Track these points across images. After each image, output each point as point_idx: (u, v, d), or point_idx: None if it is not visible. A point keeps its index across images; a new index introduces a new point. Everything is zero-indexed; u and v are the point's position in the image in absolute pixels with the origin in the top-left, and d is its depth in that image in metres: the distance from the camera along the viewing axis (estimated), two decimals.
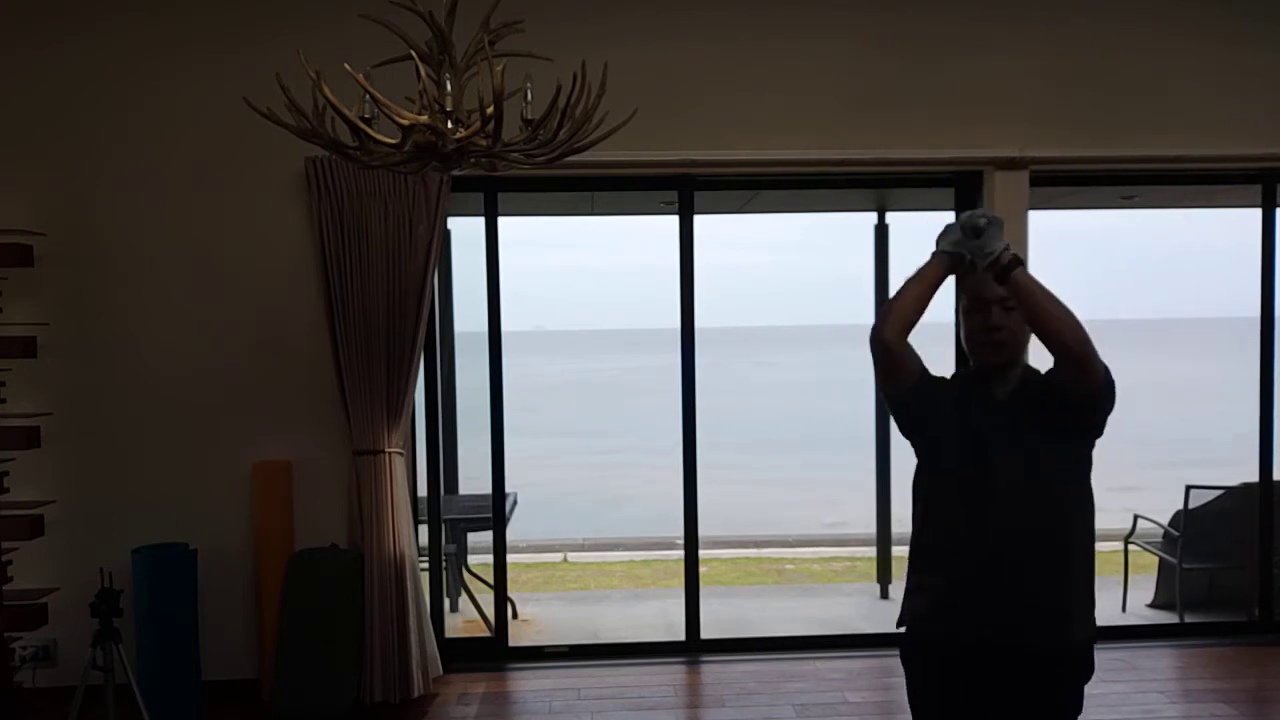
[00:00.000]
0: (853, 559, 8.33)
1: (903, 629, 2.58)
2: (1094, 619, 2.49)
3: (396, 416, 4.59)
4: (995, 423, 2.42)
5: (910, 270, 2.53)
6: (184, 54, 4.61)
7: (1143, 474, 12.05)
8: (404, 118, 2.82)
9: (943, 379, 2.58)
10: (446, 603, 5.34)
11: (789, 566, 8.33)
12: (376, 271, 4.56)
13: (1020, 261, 2.38)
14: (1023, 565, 2.38)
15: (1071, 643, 2.42)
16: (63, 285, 4.62)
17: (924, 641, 2.53)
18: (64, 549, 4.55)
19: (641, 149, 4.36)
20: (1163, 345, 42.08)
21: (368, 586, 4.56)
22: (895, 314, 2.48)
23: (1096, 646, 2.48)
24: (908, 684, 2.60)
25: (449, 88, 2.95)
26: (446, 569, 5.32)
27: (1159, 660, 5.05)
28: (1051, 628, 2.40)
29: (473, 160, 3.05)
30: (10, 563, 4.35)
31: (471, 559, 6.19)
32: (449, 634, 5.17)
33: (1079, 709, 2.46)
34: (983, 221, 2.42)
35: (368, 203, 4.54)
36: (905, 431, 2.59)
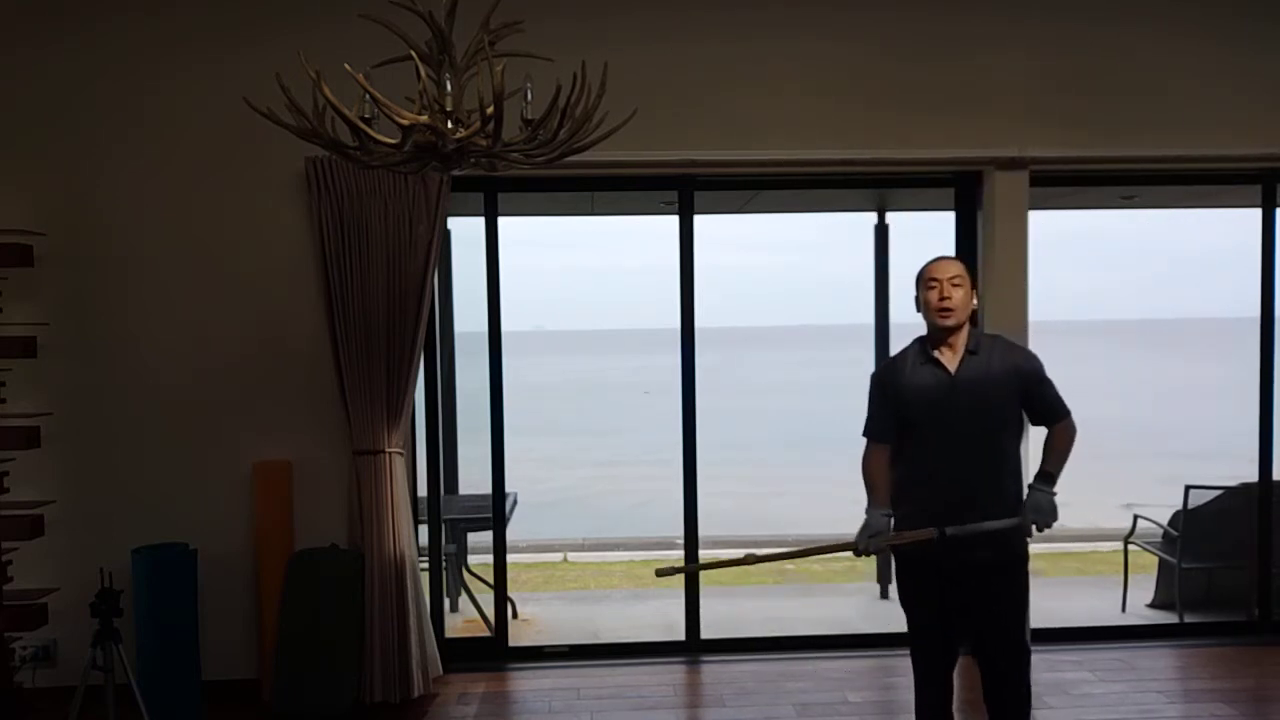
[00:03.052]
0: (852, 559, 8.31)
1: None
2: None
3: (396, 416, 4.59)
4: (951, 393, 3.30)
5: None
6: (184, 54, 4.61)
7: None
8: (404, 118, 2.82)
9: (898, 371, 3.42)
10: (446, 603, 5.34)
11: (789, 566, 8.32)
12: (376, 271, 4.56)
13: (1041, 515, 3.29)
14: (973, 487, 3.27)
15: (1012, 550, 3.36)
16: (63, 285, 4.62)
17: (909, 557, 3.40)
18: (64, 549, 4.55)
19: (641, 149, 4.36)
20: (1161, 346, 42.04)
21: (368, 586, 4.56)
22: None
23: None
24: (900, 589, 3.54)
25: (449, 88, 2.94)
26: (446, 569, 5.32)
27: (1159, 660, 5.05)
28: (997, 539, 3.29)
29: (473, 160, 3.04)
30: (10, 563, 4.35)
31: (471, 559, 6.19)
32: (449, 634, 5.17)
33: (1026, 589, 3.53)
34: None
35: (368, 203, 4.54)
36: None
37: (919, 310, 3.41)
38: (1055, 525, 3.30)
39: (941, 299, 3.30)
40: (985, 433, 3.29)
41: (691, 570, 3.31)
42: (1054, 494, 3.30)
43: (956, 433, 3.29)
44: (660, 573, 3.44)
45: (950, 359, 3.34)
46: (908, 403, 3.37)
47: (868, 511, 3.44)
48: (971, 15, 4.88)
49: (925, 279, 3.36)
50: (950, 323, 3.31)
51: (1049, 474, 3.32)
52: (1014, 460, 3.36)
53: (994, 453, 3.31)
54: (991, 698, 3.41)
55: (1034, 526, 3.29)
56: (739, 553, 3.58)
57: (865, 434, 3.52)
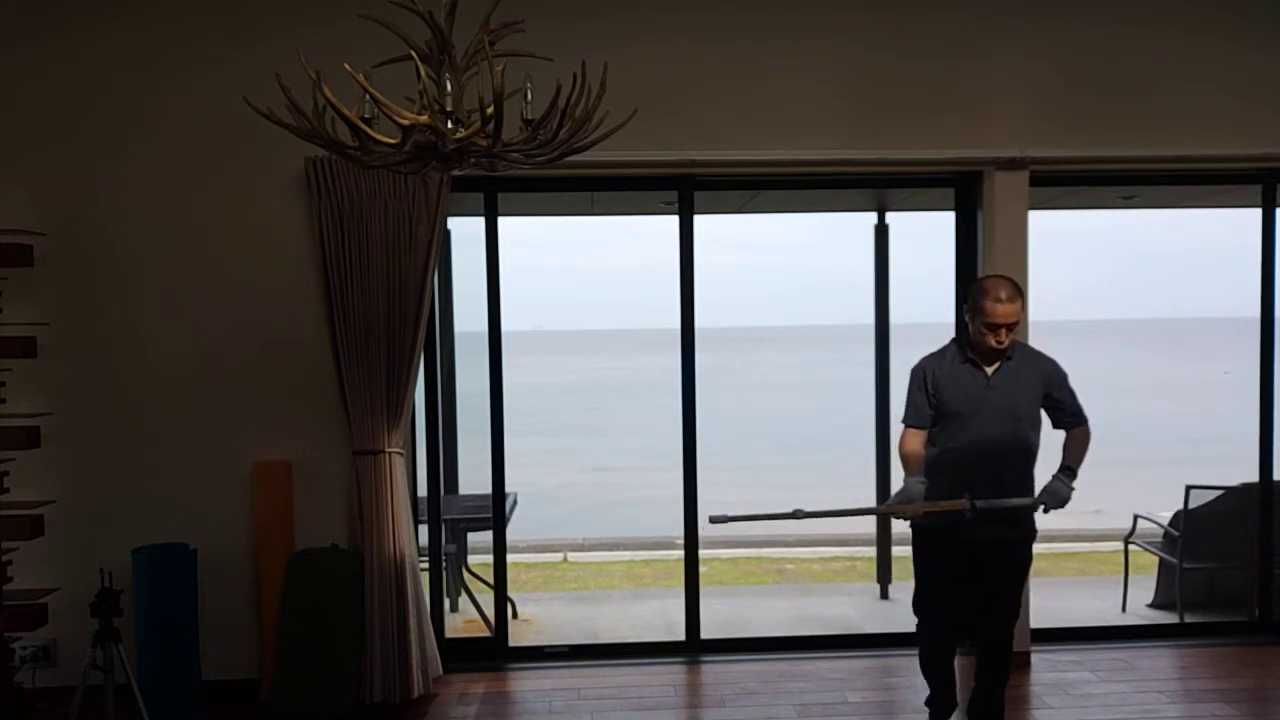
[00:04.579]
0: (853, 559, 8.33)
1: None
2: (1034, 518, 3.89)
3: (396, 416, 4.59)
4: (986, 391, 3.77)
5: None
6: (184, 54, 4.61)
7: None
8: (404, 118, 2.81)
9: (937, 367, 3.83)
10: (446, 603, 5.34)
11: (789, 566, 8.32)
12: (376, 271, 4.56)
13: (1056, 500, 3.79)
14: (996, 471, 3.73)
15: (1024, 530, 3.87)
16: (63, 285, 4.62)
17: (932, 528, 3.79)
18: (64, 549, 4.55)
19: (641, 149, 4.36)
20: (1161, 346, 41.99)
21: (368, 586, 4.56)
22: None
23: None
24: (917, 554, 3.94)
25: (449, 88, 2.94)
26: (446, 569, 5.32)
27: (1159, 660, 5.05)
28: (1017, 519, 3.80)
29: (473, 160, 3.04)
30: (10, 563, 4.34)
31: (471, 559, 6.19)
32: (449, 634, 5.16)
33: (1029, 562, 4.00)
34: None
35: (368, 203, 4.54)
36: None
37: (967, 319, 3.82)
38: (1059, 525, 3.89)
39: (998, 341, 3.71)
40: (1011, 427, 3.73)
41: (742, 520, 3.86)
42: (1072, 487, 3.78)
43: (986, 426, 3.73)
44: (713, 519, 3.87)
45: (988, 364, 3.79)
46: (945, 396, 3.79)
47: (905, 480, 3.82)
48: (971, 15, 4.87)
49: (984, 311, 3.70)
50: (999, 356, 3.77)
51: (1070, 468, 3.82)
52: (1031, 451, 3.80)
53: (1016, 444, 3.75)
54: (981, 651, 3.95)
55: (1043, 507, 3.77)
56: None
57: (904, 420, 3.91)
